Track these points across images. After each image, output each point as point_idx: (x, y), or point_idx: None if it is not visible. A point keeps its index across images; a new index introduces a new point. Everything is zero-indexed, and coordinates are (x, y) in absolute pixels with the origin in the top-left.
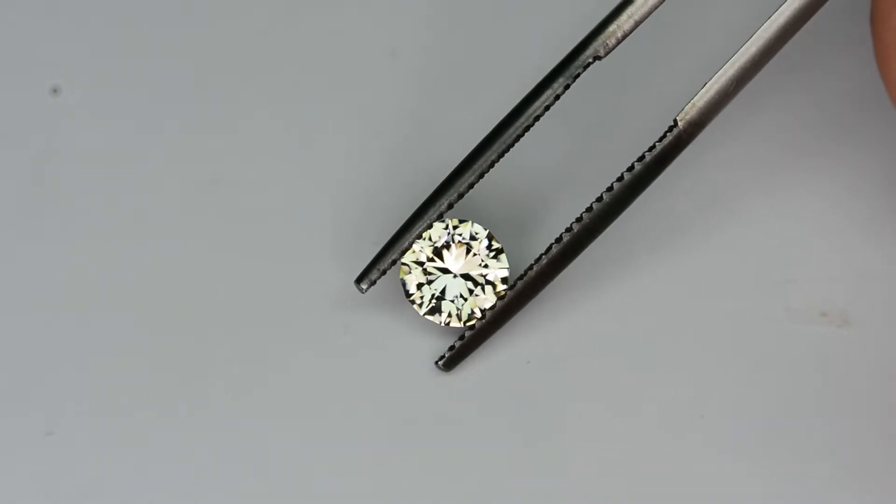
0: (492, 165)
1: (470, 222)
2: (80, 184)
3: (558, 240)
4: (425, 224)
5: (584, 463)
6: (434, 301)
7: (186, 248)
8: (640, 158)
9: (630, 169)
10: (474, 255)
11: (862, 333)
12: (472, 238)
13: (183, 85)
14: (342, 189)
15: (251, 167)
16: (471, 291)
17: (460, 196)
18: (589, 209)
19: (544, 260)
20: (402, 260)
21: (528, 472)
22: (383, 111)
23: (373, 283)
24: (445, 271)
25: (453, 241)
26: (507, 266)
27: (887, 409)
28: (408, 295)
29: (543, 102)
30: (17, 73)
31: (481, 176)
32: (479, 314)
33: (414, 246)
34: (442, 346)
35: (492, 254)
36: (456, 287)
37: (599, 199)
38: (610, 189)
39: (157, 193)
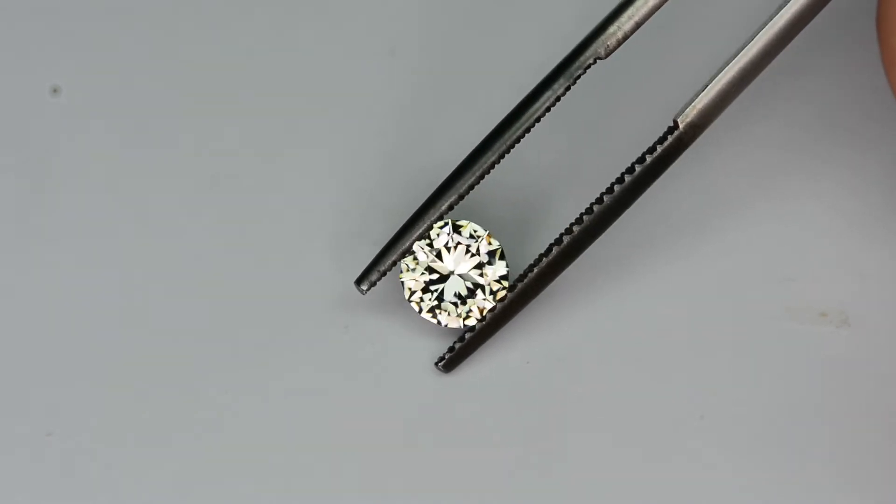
0: (492, 166)
1: (470, 223)
2: (80, 184)
3: (558, 241)
4: (425, 225)
5: (584, 463)
6: (434, 302)
7: (186, 249)
8: (641, 160)
9: (630, 170)
10: (474, 256)
11: (862, 333)
12: (472, 239)
13: (182, 85)
14: (342, 190)
15: (251, 167)
16: (470, 292)
17: (461, 197)
18: (589, 210)
19: (544, 261)
20: (402, 261)
21: (528, 472)
22: (383, 111)
23: (373, 284)
24: (445, 272)
25: (453, 242)
26: (507, 267)
27: (887, 409)
28: (408, 296)
29: (544, 103)
30: (17, 73)
31: (482, 177)
32: (478, 315)
33: (414, 247)
34: (441, 347)
35: (491, 255)
36: (456, 288)
37: (600, 201)
38: (610, 190)
39: (156, 193)
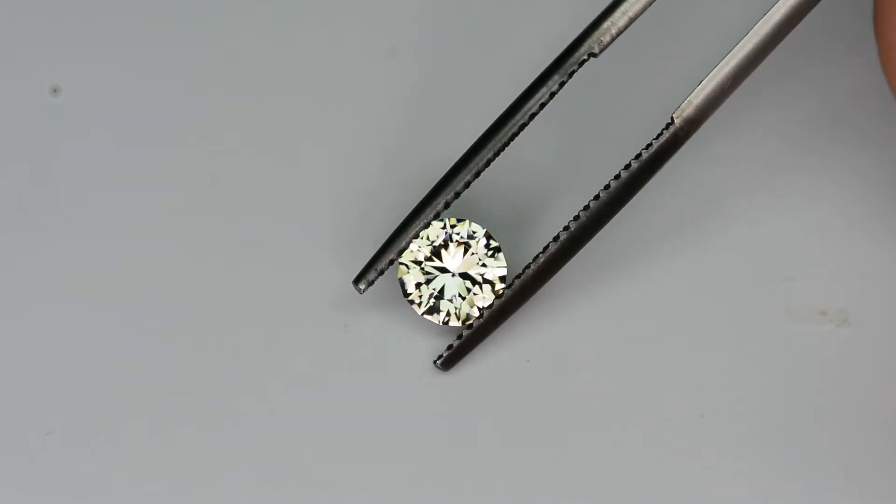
0: (488, 164)
1: (467, 221)
2: (80, 184)
3: (556, 238)
4: (423, 223)
5: (583, 462)
6: (432, 300)
7: (186, 248)
8: (637, 156)
9: (627, 167)
10: (472, 254)
11: (862, 333)
12: (470, 237)
13: (182, 85)
14: (341, 189)
15: (251, 167)
16: (469, 290)
17: (457, 195)
18: (586, 208)
19: (542, 258)
20: (400, 260)
21: (528, 470)
22: (382, 111)
23: (371, 283)
24: (443, 270)
25: (451, 241)
26: (505, 265)
27: (887, 408)
28: (406, 294)
29: (539, 100)
30: (17, 73)
31: (478, 175)
32: (477, 313)
33: (412, 245)
34: (440, 345)
35: (489, 252)
36: (454, 286)
37: (597, 198)
38: (607, 187)
39: (156, 193)
